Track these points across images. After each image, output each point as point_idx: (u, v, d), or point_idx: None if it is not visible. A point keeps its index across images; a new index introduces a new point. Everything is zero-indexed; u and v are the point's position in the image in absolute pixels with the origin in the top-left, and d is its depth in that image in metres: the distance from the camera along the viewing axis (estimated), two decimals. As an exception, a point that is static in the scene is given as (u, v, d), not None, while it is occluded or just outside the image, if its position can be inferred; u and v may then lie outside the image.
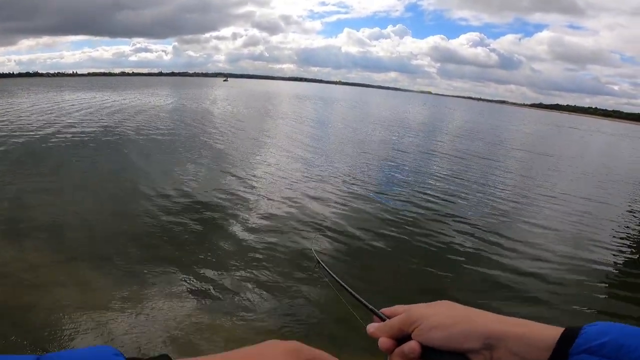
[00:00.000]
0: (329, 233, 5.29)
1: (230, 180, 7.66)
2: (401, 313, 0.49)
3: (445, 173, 9.90)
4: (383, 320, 0.51)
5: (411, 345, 0.46)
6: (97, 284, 3.71)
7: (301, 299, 3.70)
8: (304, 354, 0.40)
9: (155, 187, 6.79)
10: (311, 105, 37.51)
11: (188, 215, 5.59)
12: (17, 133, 11.57)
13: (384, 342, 0.48)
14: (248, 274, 4.07)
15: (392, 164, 10.72)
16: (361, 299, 0.57)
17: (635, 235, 6.58)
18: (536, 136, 28.00)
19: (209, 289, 3.76)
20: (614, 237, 6.24)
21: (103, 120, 15.43)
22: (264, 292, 3.76)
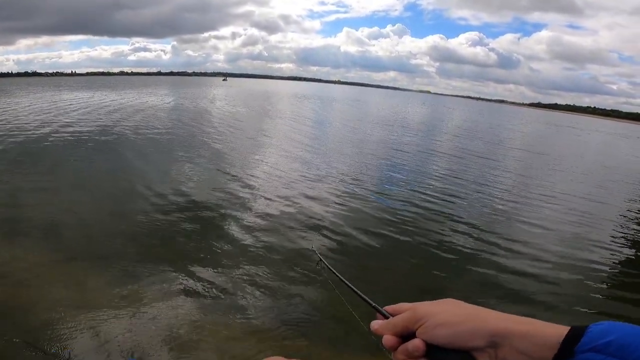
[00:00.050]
0: (328, 233, 5.30)
1: (228, 180, 7.65)
2: (405, 311, 0.49)
3: (444, 173, 9.91)
4: (387, 317, 0.51)
5: (415, 343, 0.46)
6: (95, 283, 3.70)
7: (301, 298, 3.70)
8: None
9: (153, 186, 6.78)
10: (310, 104, 37.48)
11: (186, 215, 5.59)
12: (15, 132, 11.54)
13: (388, 339, 0.48)
14: (247, 274, 4.07)
15: (391, 163, 10.72)
16: (365, 296, 0.58)
17: (634, 235, 6.59)
18: (535, 135, 28.08)
19: (208, 288, 3.76)
20: (613, 237, 6.26)
21: (101, 120, 15.41)
22: (263, 292, 3.76)
